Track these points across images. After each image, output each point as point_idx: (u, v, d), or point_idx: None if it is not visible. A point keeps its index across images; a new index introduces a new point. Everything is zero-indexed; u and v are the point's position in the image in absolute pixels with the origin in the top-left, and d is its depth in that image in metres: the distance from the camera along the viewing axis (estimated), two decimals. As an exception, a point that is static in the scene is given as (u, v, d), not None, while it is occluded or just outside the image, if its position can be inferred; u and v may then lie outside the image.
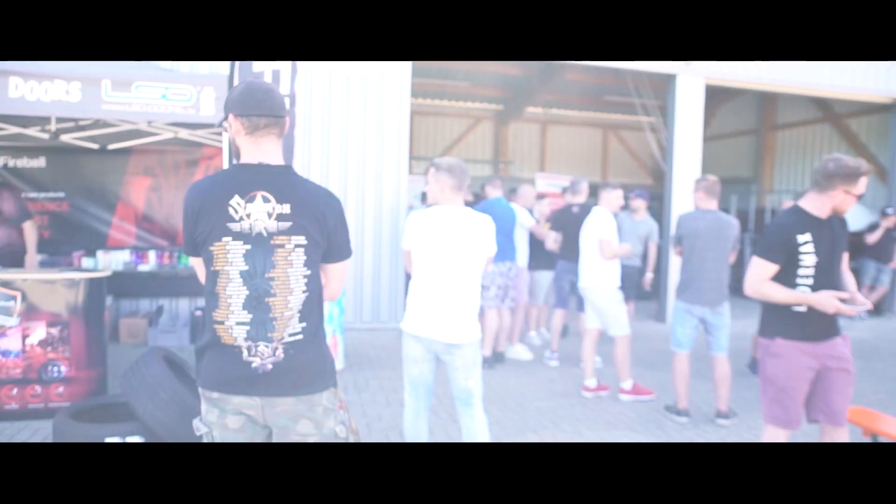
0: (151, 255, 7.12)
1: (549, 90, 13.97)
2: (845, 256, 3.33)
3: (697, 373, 6.26)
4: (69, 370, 4.50)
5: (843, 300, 3.06)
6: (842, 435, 3.26)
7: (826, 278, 3.17)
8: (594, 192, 9.43)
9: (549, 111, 16.80)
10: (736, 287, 11.34)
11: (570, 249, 6.28)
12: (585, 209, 6.20)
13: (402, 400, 5.26)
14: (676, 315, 5.09)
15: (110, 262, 7.00)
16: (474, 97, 15.39)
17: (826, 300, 3.04)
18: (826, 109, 12.50)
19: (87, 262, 6.97)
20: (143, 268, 7.06)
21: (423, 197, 10.62)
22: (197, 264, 2.18)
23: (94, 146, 7.11)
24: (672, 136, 9.12)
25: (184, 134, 6.51)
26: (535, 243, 6.92)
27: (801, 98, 12.32)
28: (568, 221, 6.37)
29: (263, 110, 2.07)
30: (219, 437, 2.11)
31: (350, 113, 7.63)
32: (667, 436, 4.71)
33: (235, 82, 4.35)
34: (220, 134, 5.96)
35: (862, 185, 3.08)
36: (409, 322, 3.41)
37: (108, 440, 3.53)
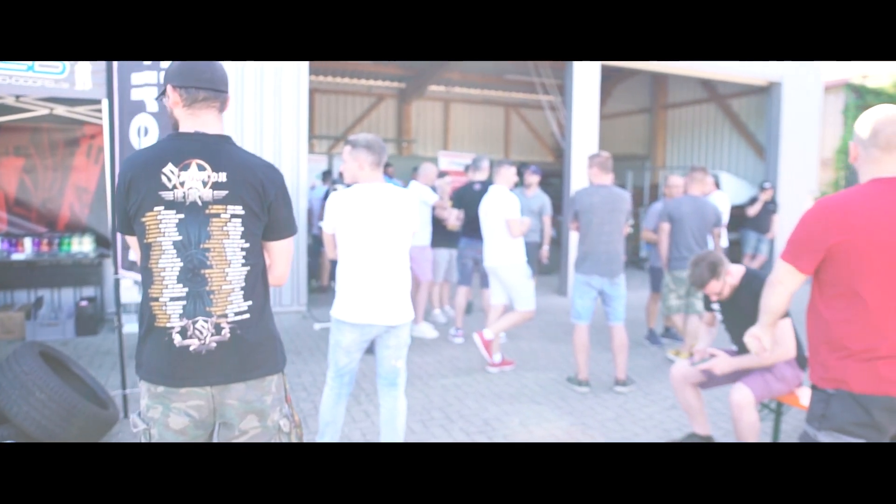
0: (27, 242, 6.58)
1: (451, 69, 13.95)
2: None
3: (598, 343, 6.46)
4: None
5: None
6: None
7: None
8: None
9: (451, 90, 16.80)
10: (632, 259, 11.85)
11: (473, 227, 6.31)
12: (487, 186, 6.23)
13: (309, 384, 5.15)
14: (576, 287, 5.21)
15: (-24, 251, 6.43)
16: (377, 75, 15.16)
17: None
18: (711, 90, 13.12)
19: (-49, 251, 6.38)
20: (17, 256, 6.52)
21: (324, 176, 10.41)
22: (132, 243, 2.07)
23: (-46, 124, 6.49)
24: (570, 114, 9.31)
25: (60, 110, 6.03)
26: (437, 221, 6.91)
27: (690, 79, 12.87)
28: (470, 199, 6.38)
29: (203, 83, 2.00)
30: (157, 436, 1.99)
31: (246, 90, 7.32)
32: (569, 406, 4.84)
33: (115, 87, 4.08)
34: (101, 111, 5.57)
35: None
36: (344, 309, 3.26)
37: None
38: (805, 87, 11.11)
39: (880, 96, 16.22)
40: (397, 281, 3.28)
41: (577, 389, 5.21)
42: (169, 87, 2.02)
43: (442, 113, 17.58)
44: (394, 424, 3.41)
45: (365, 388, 5.06)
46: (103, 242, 6.92)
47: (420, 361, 5.92)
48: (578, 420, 4.59)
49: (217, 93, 2.03)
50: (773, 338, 2.62)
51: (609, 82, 15.26)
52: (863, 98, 16.49)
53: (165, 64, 3.84)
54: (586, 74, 9.26)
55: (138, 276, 4.18)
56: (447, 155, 12.40)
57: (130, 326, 6.66)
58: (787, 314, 3.37)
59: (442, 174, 7.61)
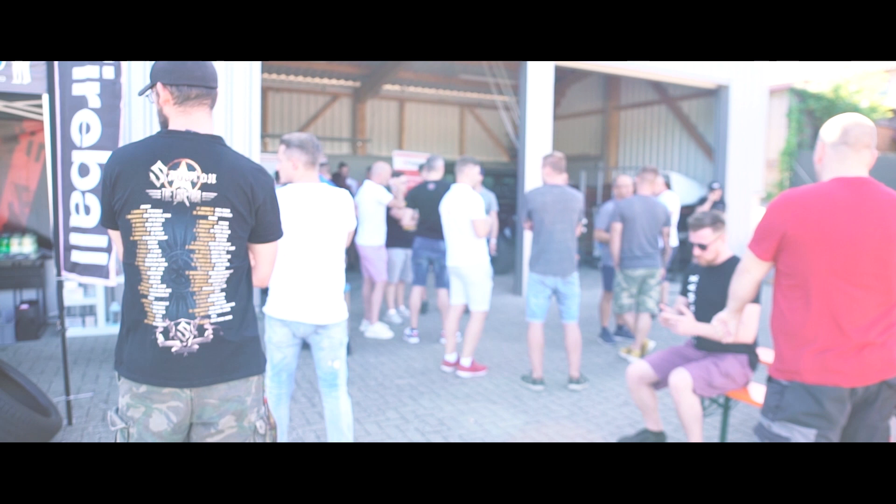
0: (-37, 242, 6.32)
1: (406, 68, 13.91)
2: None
3: (552, 342, 6.51)
4: None
5: None
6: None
7: None
8: (451, 169, 9.52)
9: (406, 89, 16.76)
10: (586, 258, 12.00)
11: (428, 226, 6.29)
12: (441, 186, 6.22)
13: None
14: (530, 286, 5.24)
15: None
16: (331, 73, 15.02)
17: None
18: (662, 92, 13.38)
19: None
20: (-47, 258, 6.25)
21: (277, 176, 10.24)
22: (115, 238, 2.03)
23: None
24: (524, 114, 9.37)
25: (-3, 105, 5.80)
26: (391, 221, 6.87)
27: (641, 81, 13.11)
28: (424, 198, 6.36)
29: (195, 80, 1.97)
30: (136, 436, 1.95)
31: (193, 86, 7.14)
32: (524, 405, 4.86)
33: (56, 82, 3.94)
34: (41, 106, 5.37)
35: None
36: (274, 306, 3.27)
37: None
38: (751, 90, 11.43)
39: (821, 100, 16.78)
40: (329, 281, 3.26)
41: (531, 388, 5.24)
42: (159, 85, 1.97)
43: (397, 112, 17.52)
44: (338, 425, 3.38)
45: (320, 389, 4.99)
46: (45, 243, 6.68)
47: (375, 362, 5.87)
48: (533, 418, 4.61)
49: (209, 90, 2.00)
50: (740, 322, 2.73)
51: (563, 83, 15.43)
52: (805, 102, 17.02)
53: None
54: (540, 75, 9.33)
55: (83, 278, 4.05)
56: (402, 154, 12.34)
57: (75, 330, 6.45)
58: (756, 300, 3.46)
59: (396, 174, 7.57)
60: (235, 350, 2.00)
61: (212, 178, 1.93)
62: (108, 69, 3.86)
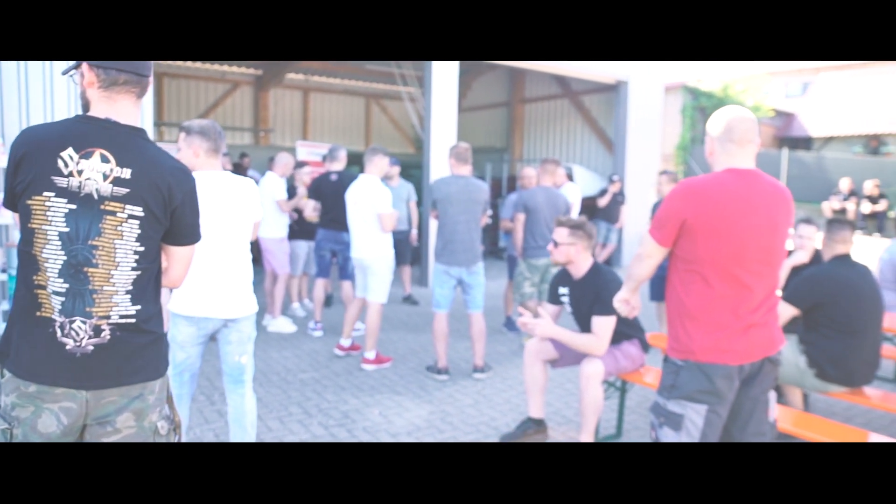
0: None
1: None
2: None
3: (457, 331, 6.55)
4: None
5: None
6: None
7: None
8: (355, 160, 9.40)
9: (310, 78, 16.41)
10: (492, 249, 12.15)
11: (331, 218, 6.17)
12: (344, 176, 6.11)
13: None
14: (435, 277, 5.24)
15: None
16: (231, 60, 14.51)
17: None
18: (566, 87, 13.71)
19: None
20: None
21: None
22: (17, 221, 1.87)
23: None
24: (429, 106, 9.35)
25: None
26: (294, 212, 6.71)
27: (545, 75, 13.37)
28: (327, 190, 6.23)
29: (125, 66, 1.82)
30: (21, 437, 1.77)
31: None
32: (428, 395, 4.86)
33: None
34: None
35: None
36: (179, 302, 3.10)
37: None
38: (648, 87, 11.89)
39: (711, 98, 17.74)
40: (237, 272, 3.16)
41: (436, 378, 5.25)
42: (85, 66, 1.83)
43: (301, 102, 17.14)
44: (242, 423, 3.26)
45: (219, 386, 4.81)
46: None
47: (278, 357, 5.72)
48: (438, 408, 4.62)
49: (139, 77, 1.87)
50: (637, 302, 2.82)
51: (468, 76, 15.54)
52: (697, 99, 17.93)
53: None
54: (445, 68, 9.34)
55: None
56: (305, 145, 12.06)
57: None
58: None
59: (300, 164, 7.39)
60: (134, 353, 1.87)
61: (126, 173, 1.80)
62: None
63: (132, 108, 1.88)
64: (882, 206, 13.87)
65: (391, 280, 5.52)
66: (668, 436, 2.44)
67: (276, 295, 6.57)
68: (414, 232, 7.71)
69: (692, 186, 2.40)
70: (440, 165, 9.11)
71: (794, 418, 3.36)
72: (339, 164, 6.34)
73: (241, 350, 3.22)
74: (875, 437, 3.14)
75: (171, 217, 1.91)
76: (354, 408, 4.57)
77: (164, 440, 1.97)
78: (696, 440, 2.39)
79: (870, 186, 14.16)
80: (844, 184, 14.80)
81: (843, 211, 14.47)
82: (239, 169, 10.41)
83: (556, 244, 3.91)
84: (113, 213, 1.80)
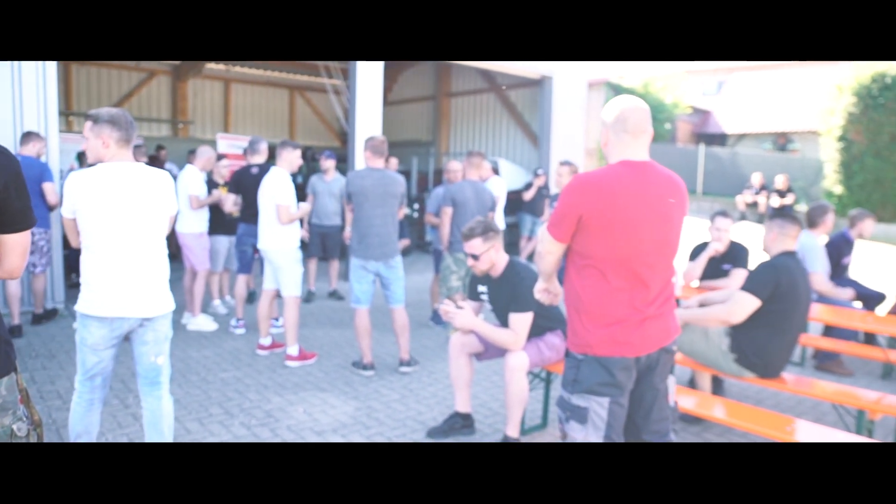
0: None
1: (230, 46, 13.18)
2: None
3: (382, 326, 6.50)
4: None
5: None
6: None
7: None
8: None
9: (231, 68, 15.94)
10: (418, 243, 12.12)
11: (252, 212, 6.00)
12: (265, 170, 5.95)
13: (65, 391, 4.56)
14: (353, 272, 5.17)
15: None
16: (145, 60, 13.89)
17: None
18: (491, 81, 13.80)
19: None
20: None
21: (81, 157, 9.33)
22: None
23: None
24: (354, 99, 9.23)
25: None
26: (213, 206, 6.49)
27: (472, 70, 13.42)
28: (248, 183, 6.06)
29: None
30: None
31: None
32: (354, 391, 4.79)
33: None
34: None
35: None
36: (90, 302, 2.92)
37: None
38: (572, 82, 12.11)
39: (633, 94, 18.19)
40: (151, 269, 3.01)
41: (362, 373, 5.18)
42: None
43: (221, 93, 16.63)
44: (159, 427, 3.12)
45: (133, 388, 4.60)
46: None
47: (198, 356, 5.53)
48: (364, 403, 4.56)
49: None
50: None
51: (394, 69, 15.44)
52: (619, 95, 18.32)
53: None
54: (370, 62, 9.23)
55: None
56: (227, 138, 11.68)
57: None
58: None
59: (220, 157, 7.15)
60: None
61: None
62: None
63: None
64: (790, 199, 14.59)
65: (300, 272, 5.41)
66: (575, 429, 2.45)
67: (196, 292, 6.35)
68: (348, 230, 7.53)
69: (587, 181, 2.38)
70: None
71: (725, 408, 3.52)
72: (260, 157, 6.17)
73: (157, 350, 3.08)
74: (801, 423, 3.29)
75: None
76: (278, 406, 4.46)
77: (23, 441, 1.86)
78: (602, 431, 2.41)
79: (780, 181, 14.88)
80: (756, 178, 15.50)
81: (755, 204, 15.17)
82: (155, 162, 10.01)
83: (475, 258, 3.79)
84: None
